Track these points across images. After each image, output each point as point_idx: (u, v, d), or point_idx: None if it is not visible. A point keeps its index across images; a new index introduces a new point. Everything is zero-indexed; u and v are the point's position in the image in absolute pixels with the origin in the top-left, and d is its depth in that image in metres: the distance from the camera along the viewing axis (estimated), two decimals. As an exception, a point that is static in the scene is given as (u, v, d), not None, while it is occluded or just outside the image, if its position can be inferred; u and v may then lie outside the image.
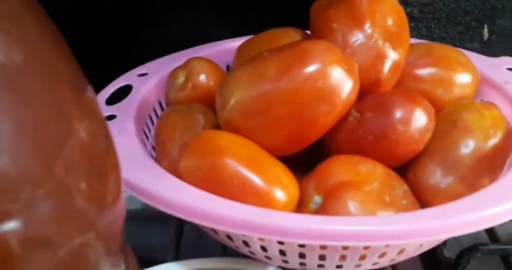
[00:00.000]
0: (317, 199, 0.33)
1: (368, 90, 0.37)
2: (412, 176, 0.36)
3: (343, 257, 0.31)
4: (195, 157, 0.32)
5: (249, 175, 0.32)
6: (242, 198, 0.31)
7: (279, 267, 0.35)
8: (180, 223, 0.44)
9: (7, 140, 0.15)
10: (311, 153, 0.37)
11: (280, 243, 0.31)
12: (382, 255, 0.31)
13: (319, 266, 0.33)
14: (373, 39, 0.36)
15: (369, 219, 0.30)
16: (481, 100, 0.43)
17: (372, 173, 0.34)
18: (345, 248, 0.30)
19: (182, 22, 0.55)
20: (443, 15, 0.55)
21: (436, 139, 0.36)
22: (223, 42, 0.50)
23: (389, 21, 0.38)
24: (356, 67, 0.34)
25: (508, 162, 0.36)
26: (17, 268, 0.16)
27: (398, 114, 0.35)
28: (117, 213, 0.20)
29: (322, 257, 0.31)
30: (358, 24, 0.37)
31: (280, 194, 0.32)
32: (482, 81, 0.42)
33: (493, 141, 0.36)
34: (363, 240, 0.28)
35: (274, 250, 0.32)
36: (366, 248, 0.30)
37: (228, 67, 0.49)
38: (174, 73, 0.44)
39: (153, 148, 0.41)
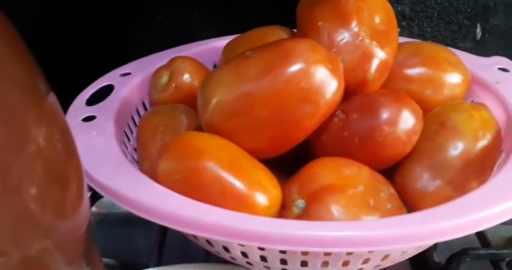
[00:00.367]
0: (300, 203, 0.32)
1: (354, 91, 0.36)
2: (399, 178, 0.35)
3: (325, 263, 0.30)
4: (174, 159, 0.31)
5: (229, 178, 0.31)
6: (222, 202, 0.30)
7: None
8: (163, 228, 0.43)
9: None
10: (296, 155, 0.36)
11: (261, 249, 0.30)
12: (366, 261, 0.30)
13: (302, 272, 0.32)
14: (360, 38, 0.35)
15: (350, 224, 0.29)
16: (472, 101, 0.42)
17: (357, 176, 0.33)
18: (327, 254, 0.29)
19: (169, 20, 0.54)
20: (436, 14, 0.54)
21: (424, 141, 0.35)
22: (210, 41, 0.49)
23: (377, 20, 0.37)
24: (341, 67, 0.33)
25: (497, 164, 0.35)
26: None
27: (384, 115, 0.34)
28: (78, 220, 0.19)
29: (304, 263, 0.30)
30: (345, 23, 0.36)
31: (261, 198, 0.31)
32: (473, 82, 0.41)
33: (482, 143, 0.35)
34: (345, 246, 0.27)
35: (255, 256, 0.31)
36: (349, 253, 0.29)
37: (215, 66, 0.48)
38: (157, 73, 0.42)
39: (135, 150, 0.40)
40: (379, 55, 0.36)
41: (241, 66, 0.33)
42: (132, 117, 0.42)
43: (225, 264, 0.35)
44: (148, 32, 0.55)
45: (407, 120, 0.34)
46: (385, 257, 0.30)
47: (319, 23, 0.36)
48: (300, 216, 0.31)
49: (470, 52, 0.47)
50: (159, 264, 0.39)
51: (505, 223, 0.50)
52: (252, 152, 0.34)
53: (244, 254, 0.31)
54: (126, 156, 0.35)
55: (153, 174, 0.32)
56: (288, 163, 0.36)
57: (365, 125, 0.34)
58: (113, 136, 0.36)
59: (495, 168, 0.35)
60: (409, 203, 0.34)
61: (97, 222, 0.52)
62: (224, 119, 0.33)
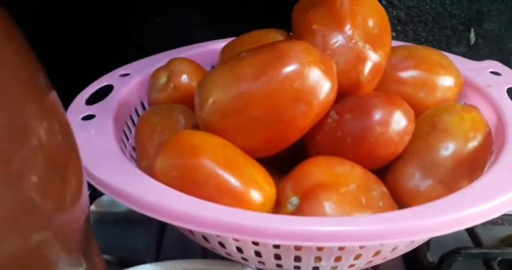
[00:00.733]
0: (294, 200, 0.33)
1: (348, 92, 0.37)
2: (391, 178, 0.36)
3: (318, 259, 0.31)
4: (171, 157, 0.32)
5: (224, 176, 0.31)
6: (218, 199, 0.30)
7: (257, 269, 0.35)
8: (162, 226, 0.44)
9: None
10: (291, 155, 0.37)
11: (255, 244, 0.30)
12: (358, 257, 0.31)
13: (296, 267, 0.32)
14: (354, 41, 0.36)
15: (342, 219, 0.29)
16: (464, 103, 0.43)
17: (350, 174, 0.34)
18: (320, 249, 0.30)
19: (168, 22, 0.55)
20: (430, 19, 0.55)
21: (416, 141, 0.36)
22: (208, 43, 0.50)
23: (371, 23, 0.38)
24: (334, 68, 0.34)
25: (487, 165, 0.36)
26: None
27: (377, 116, 0.34)
28: (77, 212, 0.20)
29: (297, 259, 0.31)
30: (339, 26, 0.36)
31: (256, 195, 0.31)
32: (465, 85, 0.42)
33: (472, 144, 0.35)
34: (336, 240, 0.28)
35: (249, 251, 0.31)
36: (341, 249, 0.30)
37: (212, 68, 0.49)
38: (156, 73, 0.43)
39: (133, 149, 0.41)
40: (372, 58, 0.37)
41: (237, 67, 0.34)
42: (131, 117, 0.43)
43: (220, 260, 0.36)
44: (147, 33, 0.56)
45: (399, 121, 0.35)
46: (377, 253, 0.31)
47: (314, 26, 0.37)
48: (294, 213, 0.32)
49: (464, 56, 0.47)
50: (157, 260, 0.40)
51: (498, 224, 0.51)
52: (248, 151, 0.34)
53: (239, 250, 0.32)
54: (124, 155, 0.36)
55: (150, 172, 0.33)
56: (283, 162, 0.37)
57: (358, 126, 0.35)
58: (112, 134, 0.37)
59: (485, 169, 0.36)
60: (401, 202, 0.35)
61: (96, 220, 0.52)
62: (220, 118, 0.34)
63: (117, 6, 0.54)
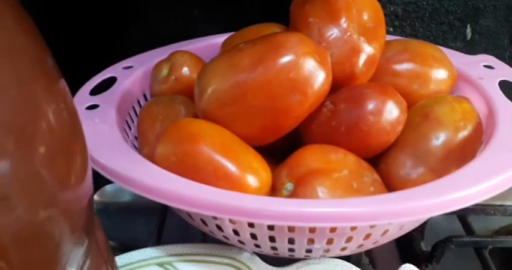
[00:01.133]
0: (289, 186, 0.34)
1: (343, 83, 0.38)
2: (383, 166, 0.37)
3: (311, 241, 0.32)
4: (171, 143, 0.34)
5: (222, 161, 0.33)
6: (215, 183, 0.32)
7: (254, 253, 0.36)
8: (163, 214, 0.45)
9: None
10: (287, 143, 0.38)
11: (251, 226, 0.32)
12: (349, 239, 0.32)
13: (290, 250, 0.34)
14: (348, 34, 0.38)
15: (332, 201, 0.31)
16: (457, 95, 0.44)
17: (343, 161, 0.35)
18: (312, 230, 0.31)
19: (169, 17, 0.56)
20: (427, 14, 0.56)
21: (408, 131, 0.37)
22: (209, 37, 0.51)
23: (365, 17, 0.39)
24: (329, 59, 0.35)
25: (477, 154, 0.37)
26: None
27: (370, 106, 0.36)
28: (81, 193, 0.21)
29: (291, 241, 0.32)
30: (334, 19, 0.38)
31: (252, 180, 0.33)
32: (458, 78, 0.43)
33: (463, 133, 0.37)
34: (327, 221, 0.29)
35: (245, 234, 0.33)
36: (333, 230, 0.31)
37: (213, 62, 0.50)
38: (158, 66, 0.45)
39: (136, 138, 0.42)
40: (367, 50, 0.38)
41: (234, 58, 0.35)
42: (134, 108, 0.44)
43: (218, 244, 0.37)
44: (149, 29, 0.57)
45: (392, 111, 0.36)
46: (368, 236, 0.32)
47: (310, 19, 0.38)
48: (288, 198, 0.33)
49: (461, 52, 0.48)
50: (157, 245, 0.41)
51: (491, 215, 0.52)
52: (245, 139, 0.36)
53: (235, 232, 0.33)
54: (127, 143, 0.37)
55: (151, 158, 0.34)
56: (279, 151, 0.38)
57: (351, 115, 0.36)
58: (115, 123, 0.38)
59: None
60: (393, 189, 0.36)
61: (99, 210, 0.54)
62: (219, 107, 0.35)
63: (120, 2, 0.55)
